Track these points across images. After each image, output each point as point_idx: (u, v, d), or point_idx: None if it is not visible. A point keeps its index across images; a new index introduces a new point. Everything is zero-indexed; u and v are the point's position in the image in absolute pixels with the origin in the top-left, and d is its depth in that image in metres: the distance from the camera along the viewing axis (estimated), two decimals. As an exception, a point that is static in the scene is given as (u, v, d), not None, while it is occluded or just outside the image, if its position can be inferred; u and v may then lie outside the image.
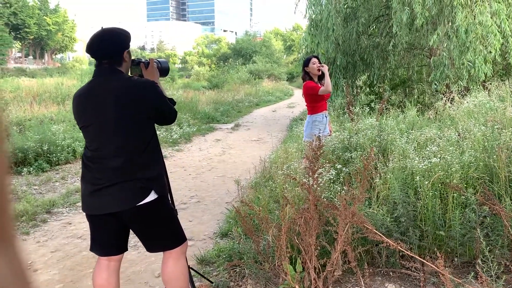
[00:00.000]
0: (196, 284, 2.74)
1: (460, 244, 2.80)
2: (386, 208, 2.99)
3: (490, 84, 7.12)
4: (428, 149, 3.75)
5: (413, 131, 4.77)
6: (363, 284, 2.62)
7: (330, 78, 8.72)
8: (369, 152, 2.89)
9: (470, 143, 3.82)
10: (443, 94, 7.73)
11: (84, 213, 2.20)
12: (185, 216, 4.46)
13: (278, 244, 2.51)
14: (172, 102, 2.28)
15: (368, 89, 10.57)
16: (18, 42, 59.94)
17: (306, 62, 4.72)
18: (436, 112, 6.56)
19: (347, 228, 2.41)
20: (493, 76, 8.02)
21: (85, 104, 2.10)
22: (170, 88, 19.63)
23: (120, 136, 2.03)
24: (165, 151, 8.04)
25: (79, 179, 2.81)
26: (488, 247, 2.51)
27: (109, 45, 2.12)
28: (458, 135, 4.28)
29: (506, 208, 2.81)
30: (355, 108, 6.22)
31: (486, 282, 2.16)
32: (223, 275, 3.02)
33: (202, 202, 5.07)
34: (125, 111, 2.03)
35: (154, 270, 3.26)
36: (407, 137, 4.40)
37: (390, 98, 9.34)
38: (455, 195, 2.96)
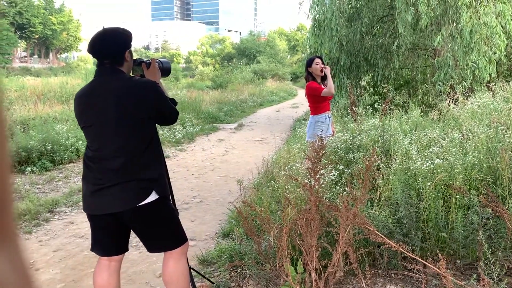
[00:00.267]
0: (197, 284, 2.73)
1: (463, 246, 2.79)
2: (388, 209, 2.98)
3: (495, 85, 7.08)
4: (431, 150, 3.73)
5: (416, 132, 4.75)
6: (364, 286, 2.61)
7: (334, 79, 8.65)
8: (371, 153, 2.88)
9: (474, 144, 3.80)
10: (447, 95, 7.69)
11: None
12: (187, 216, 4.47)
13: (279, 245, 2.50)
14: (173, 102, 2.27)
15: (372, 89, 10.55)
16: (23, 41, 60.24)
17: (309, 63, 4.70)
18: (440, 113, 6.53)
19: (348, 229, 2.40)
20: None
21: (86, 104, 2.10)
22: (174, 87, 19.66)
23: (121, 136, 2.03)
24: (168, 150, 8.05)
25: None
26: (491, 249, 2.49)
27: (110, 45, 2.12)
28: (462, 136, 4.26)
29: (509, 210, 2.79)
30: (358, 108, 6.20)
31: (488, 284, 2.14)
32: (224, 276, 3.02)
33: (205, 202, 5.07)
34: (126, 111, 2.03)
35: (155, 270, 3.26)
36: (410, 138, 4.38)
37: (394, 99, 9.31)
38: (458, 196, 2.94)
